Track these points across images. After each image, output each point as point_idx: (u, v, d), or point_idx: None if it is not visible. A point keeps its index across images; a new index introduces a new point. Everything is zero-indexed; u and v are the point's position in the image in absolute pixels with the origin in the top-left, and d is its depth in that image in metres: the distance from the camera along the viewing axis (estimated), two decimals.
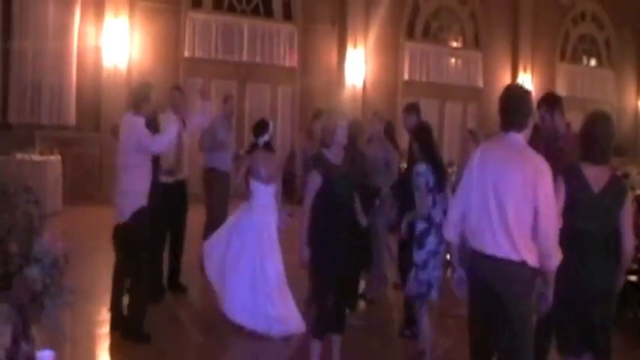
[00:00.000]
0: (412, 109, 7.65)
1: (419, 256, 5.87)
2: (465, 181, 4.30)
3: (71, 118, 14.58)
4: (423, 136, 6.18)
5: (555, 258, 4.05)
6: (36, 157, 12.81)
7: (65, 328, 4.88)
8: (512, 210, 4.02)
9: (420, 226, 5.89)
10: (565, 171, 4.47)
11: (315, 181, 5.40)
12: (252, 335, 6.55)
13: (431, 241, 5.87)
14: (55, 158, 13.07)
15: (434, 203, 5.87)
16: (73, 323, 6.39)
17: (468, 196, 4.22)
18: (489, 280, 4.13)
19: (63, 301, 4.66)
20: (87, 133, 14.53)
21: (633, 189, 12.51)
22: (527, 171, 4.04)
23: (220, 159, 8.74)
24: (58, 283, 4.49)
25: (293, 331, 6.56)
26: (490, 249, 4.09)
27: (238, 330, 6.64)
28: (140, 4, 15.08)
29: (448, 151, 18.90)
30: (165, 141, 6.25)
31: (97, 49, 14.65)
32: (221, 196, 8.80)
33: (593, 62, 22.84)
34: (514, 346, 4.14)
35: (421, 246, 5.88)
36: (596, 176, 4.39)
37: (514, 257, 4.03)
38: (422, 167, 5.88)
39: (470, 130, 8.65)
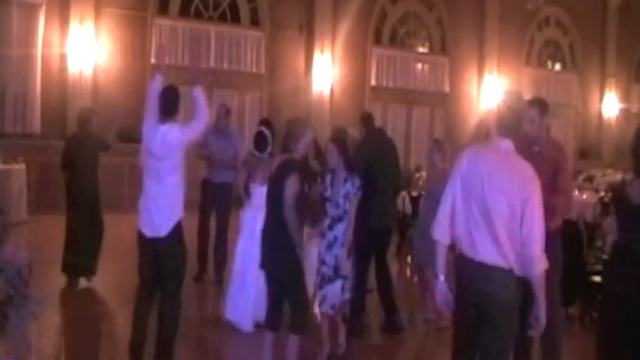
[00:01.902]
0: (359, 121, 7.68)
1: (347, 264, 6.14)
2: (451, 185, 4.29)
3: (36, 125, 14.40)
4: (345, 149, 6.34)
5: (538, 265, 4.04)
6: None
7: (30, 339, 4.83)
8: (499, 217, 4.04)
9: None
10: (612, 190, 4.55)
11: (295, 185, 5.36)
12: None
13: None
14: (20, 167, 12.89)
15: None
16: (39, 334, 6.31)
17: (454, 201, 4.24)
18: (476, 286, 4.14)
19: (28, 311, 4.60)
20: (52, 141, 14.35)
21: (597, 191, 12.73)
22: (513, 178, 4.06)
23: (213, 170, 8.80)
24: (23, 294, 4.44)
25: None
26: (478, 255, 4.10)
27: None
28: (106, 11, 14.96)
29: (415, 156, 19.05)
30: (204, 111, 5.64)
31: (62, 56, 14.49)
32: (206, 209, 8.92)
33: (557, 66, 23.13)
34: (497, 353, 4.17)
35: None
36: (638, 188, 4.38)
37: (501, 264, 4.04)
38: (357, 181, 6.17)
39: (435, 139, 8.70)
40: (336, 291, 6.09)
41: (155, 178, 5.61)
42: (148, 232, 5.63)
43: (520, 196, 4.02)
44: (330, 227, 6.15)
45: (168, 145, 5.51)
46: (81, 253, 8.27)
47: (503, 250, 4.04)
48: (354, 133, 7.61)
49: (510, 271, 4.06)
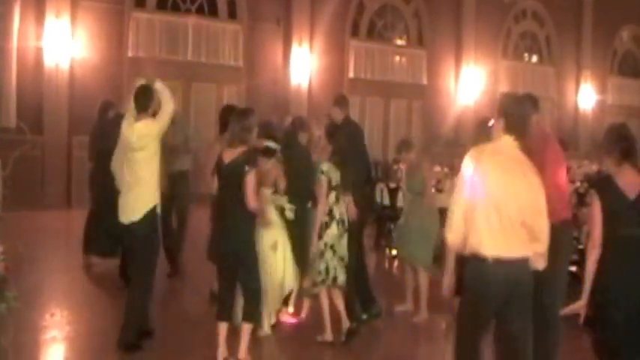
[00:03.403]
0: (336, 102, 7.52)
1: (317, 246, 6.39)
2: (462, 190, 4.34)
3: (11, 120, 14.24)
4: (334, 136, 6.57)
5: (543, 261, 4.31)
6: None
7: (8, 335, 4.81)
8: (521, 214, 4.20)
9: (323, 219, 6.38)
10: (598, 184, 4.59)
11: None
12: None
13: (329, 234, 6.38)
14: None
15: (337, 199, 6.42)
16: (16, 330, 6.28)
17: (469, 202, 4.29)
18: (502, 282, 4.23)
19: (5, 307, 4.60)
20: (28, 135, 14.24)
21: (573, 182, 12.83)
22: (530, 176, 4.27)
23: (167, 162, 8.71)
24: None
25: None
26: (501, 252, 4.21)
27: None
28: (82, 4, 14.82)
29: (393, 148, 19.06)
30: (169, 101, 6.18)
31: (38, 50, 14.36)
32: (166, 203, 8.79)
33: (534, 59, 23.29)
34: (523, 339, 4.37)
35: (320, 237, 6.38)
36: (630, 183, 4.39)
37: (524, 259, 4.24)
38: (325, 166, 6.38)
39: (401, 140, 8.72)
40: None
41: (132, 168, 6.12)
42: (125, 219, 6.12)
43: (538, 194, 4.23)
44: (319, 237, 6.46)
45: (142, 137, 6.04)
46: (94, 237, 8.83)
47: (525, 246, 4.23)
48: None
49: (529, 265, 4.27)
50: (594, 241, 4.40)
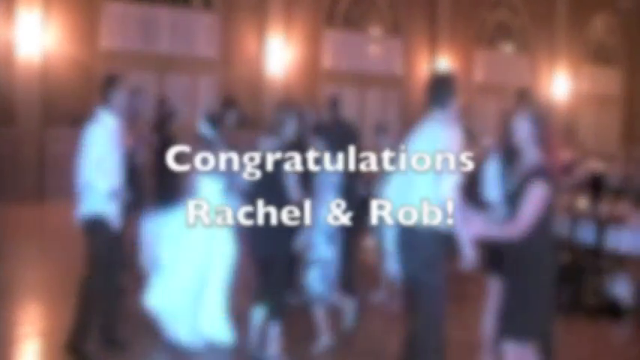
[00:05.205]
0: (328, 104, 7.95)
1: (331, 252, 5.92)
2: None
3: None
4: (323, 132, 6.60)
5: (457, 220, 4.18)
6: None
7: None
8: (418, 176, 4.29)
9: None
10: (542, 173, 4.20)
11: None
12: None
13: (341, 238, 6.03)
14: None
15: None
16: None
17: None
18: (400, 245, 4.40)
19: None
20: (0, 129, 14.08)
21: None
22: (433, 138, 4.34)
23: None
24: None
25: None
26: (399, 215, 4.35)
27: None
28: None
29: (369, 138, 19.09)
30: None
31: (9, 43, 14.18)
32: None
33: (509, 48, 23.39)
34: (419, 314, 4.37)
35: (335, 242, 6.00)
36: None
37: (419, 222, 4.27)
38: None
39: (378, 124, 8.78)
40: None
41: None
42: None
43: (436, 156, 4.24)
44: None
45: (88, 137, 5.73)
46: None
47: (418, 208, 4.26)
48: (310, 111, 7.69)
49: (425, 229, 4.24)
50: (524, 227, 4.07)
